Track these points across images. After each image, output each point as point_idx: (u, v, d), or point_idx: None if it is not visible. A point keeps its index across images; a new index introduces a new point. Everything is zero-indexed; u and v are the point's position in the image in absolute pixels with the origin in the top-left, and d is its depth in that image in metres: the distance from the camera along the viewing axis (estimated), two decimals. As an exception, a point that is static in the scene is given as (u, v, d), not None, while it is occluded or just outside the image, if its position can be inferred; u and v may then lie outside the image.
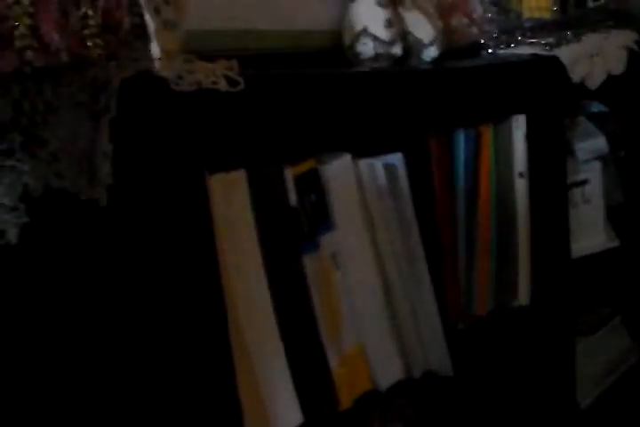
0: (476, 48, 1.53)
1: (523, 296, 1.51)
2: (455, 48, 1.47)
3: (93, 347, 0.95)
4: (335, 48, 1.28)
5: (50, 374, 0.98)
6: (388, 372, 1.21)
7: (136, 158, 0.91)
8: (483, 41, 1.53)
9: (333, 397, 1.13)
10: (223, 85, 0.92)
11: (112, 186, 0.89)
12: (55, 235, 0.96)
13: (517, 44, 1.58)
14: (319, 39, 1.27)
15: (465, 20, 1.50)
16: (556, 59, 1.49)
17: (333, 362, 1.14)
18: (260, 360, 1.04)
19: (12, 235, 0.95)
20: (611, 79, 1.62)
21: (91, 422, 0.97)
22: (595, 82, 1.57)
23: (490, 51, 1.53)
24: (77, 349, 0.96)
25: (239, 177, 1.03)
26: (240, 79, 0.94)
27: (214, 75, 0.92)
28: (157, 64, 0.86)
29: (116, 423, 0.95)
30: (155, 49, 0.86)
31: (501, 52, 1.55)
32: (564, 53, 1.52)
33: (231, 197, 1.02)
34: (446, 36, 1.41)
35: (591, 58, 1.59)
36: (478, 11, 1.53)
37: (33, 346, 0.98)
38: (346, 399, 1.15)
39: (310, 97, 1.10)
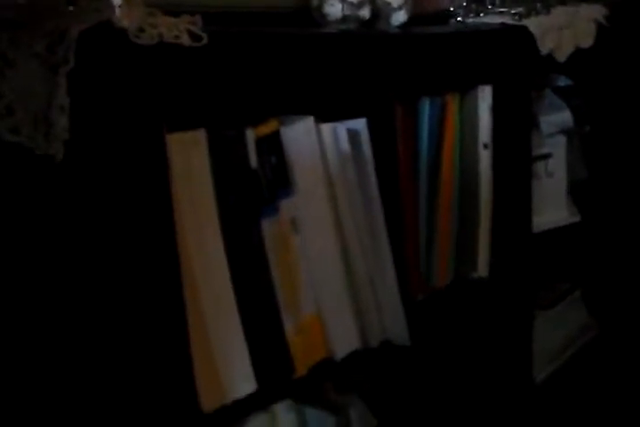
0: (444, 15, 1.51)
1: (482, 268, 1.50)
2: (424, 14, 1.44)
3: (51, 307, 0.92)
4: (302, 8, 1.25)
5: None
6: (345, 341, 1.20)
7: (93, 113, 0.88)
8: (452, 8, 1.51)
9: (288, 364, 1.12)
10: (186, 40, 0.90)
11: (68, 141, 0.86)
12: (7, 191, 0.93)
13: (486, 13, 1.55)
14: (286, -1, 1.24)
15: (435, -13, 1.48)
16: (525, 29, 1.47)
17: (289, 329, 1.12)
18: (215, 326, 1.02)
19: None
20: (578, 53, 1.60)
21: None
22: (563, 54, 1.55)
23: (459, 19, 1.51)
24: (36, 309, 0.93)
25: (199, 137, 1.01)
26: (204, 35, 0.91)
27: (177, 29, 0.89)
28: (118, 13, 0.82)
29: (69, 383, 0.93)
30: (116, -1, 0.83)
31: (470, 20, 1.52)
32: (534, 24, 1.49)
33: (190, 157, 0.99)
34: (415, 2, 1.38)
35: (560, 30, 1.57)
36: (448, -23, 1.50)
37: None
38: (301, 367, 1.13)
39: (275, 57, 1.07)
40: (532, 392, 1.64)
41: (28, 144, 0.89)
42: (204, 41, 0.91)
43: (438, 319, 1.46)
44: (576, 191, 1.81)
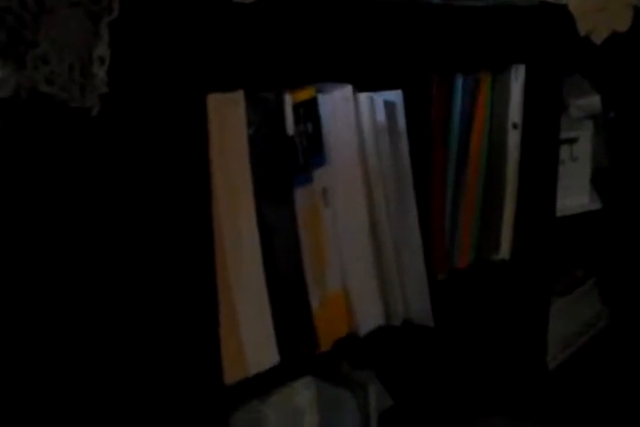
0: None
1: (504, 250, 1.47)
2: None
3: (85, 275, 0.89)
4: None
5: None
6: (369, 317, 1.16)
7: (133, 67, 0.84)
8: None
9: (312, 339, 1.09)
10: (235, -5, 0.86)
11: (104, 95, 0.83)
12: (36, 143, 0.89)
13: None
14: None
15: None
16: (565, 8, 1.43)
17: (315, 303, 1.08)
18: (242, 297, 0.99)
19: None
20: (612, 37, 1.56)
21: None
22: (599, 37, 1.52)
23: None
24: (61, 280, 0.91)
25: (237, 98, 0.96)
26: (253, -10, 0.87)
27: (227, -18, 0.85)
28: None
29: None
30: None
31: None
32: (573, 4, 1.46)
33: (227, 118, 0.96)
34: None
35: (597, 12, 1.53)
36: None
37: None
38: (325, 342, 1.10)
39: (317, 22, 1.04)
40: (543, 378, 1.62)
41: (63, 95, 0.85)
42: (253, -2, 0.87)
43: (457, 300, 1.43)
44: (597, 178, 1.77)
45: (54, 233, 0.91)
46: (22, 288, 0.94)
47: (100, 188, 0.87)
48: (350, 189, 1.13)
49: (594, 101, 1.69)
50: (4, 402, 0.96)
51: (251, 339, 1.01)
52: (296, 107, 1.04)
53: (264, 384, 1.08)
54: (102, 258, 0.89)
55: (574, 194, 1.69)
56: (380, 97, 1.15)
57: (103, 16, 0.83)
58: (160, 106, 0.86)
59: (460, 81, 1.34)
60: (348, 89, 1.11)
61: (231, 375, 0.98)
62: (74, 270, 0.91)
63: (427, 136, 1.26)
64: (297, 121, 1.04)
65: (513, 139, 1.45)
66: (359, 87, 1.13)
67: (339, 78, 1.12)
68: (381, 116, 1.15)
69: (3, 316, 0.94)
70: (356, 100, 1.13)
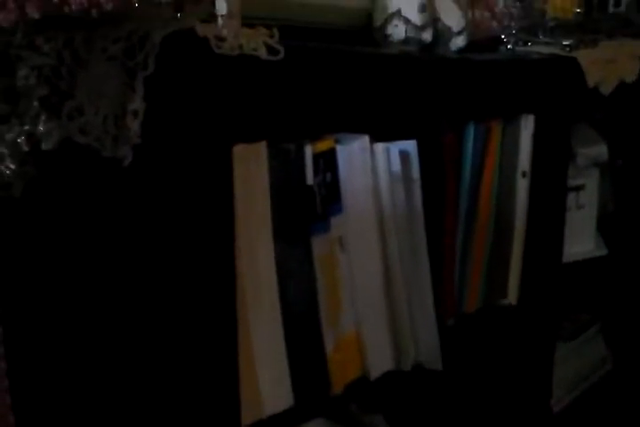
0: (494, 43, 1.51)
1: (512, 296, 1.50)
2: (474, 41, 1.44)
3: (105, 303, 0.92)
4: (363, 27, 1.25)
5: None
6: (380, 361, 1.19)
7: (165, 119, 0.88)
8: (502, 36, 1.51)
9: (326, 381, 1.11)
10: (263, 53, 0.89)
11: (136, 145, 0.86)
12: (69, 191, 0.93)
13: (535, 42, 1.56)
14: (348, 17, 1.24)
15: (487, 14, 1.48)
16: (574, 60, 1.47)
17: (329, 346, 1.11)
18: (259, 339, 1.02)
19: (17, 188, 0.91)
20: (620, 87, 1.60)
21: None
22: (608, 88, 1.56)
23: (508, 47, 1.51)
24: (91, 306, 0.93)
25: (260, 149, 1.00)
26: (281, 48, 0.91)
27: (255, 41, 0.89)
28: (219, 22, 0.82)
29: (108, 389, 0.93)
30: (220, 6, 0.83)
31: (519, 49, 1.53)
32: (582, 56, 1.50)
33: (250, 169, 0.99)
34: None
35: (606, 64, 1.57)
36: (501, 5, 1.50)
37: (38, 296, 0.94)
38: (337, 385, 1.13)
39: (339, 74, 1.07)
40: (548, 422, 1.64)
41: (97, 145, 0.89)
42: (281, 55, 0.90)
43: (465, 345, 1.45)
44: (603, 224, 1.81)
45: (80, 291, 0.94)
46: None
47: (132, 233, 0.90)
48: (365, 236, 1.16)
49: (601, 150, 1.73)
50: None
51: (267, 380, 1.03)
52: (316, 157, 1.07)
53: (278, 425, 1.10)
54: (133, 303, 0.92)
55: (580, 240, 1.72)
56: (396, 147, 1.19)
57: (138, 71, 0.86)
58: (189, 156, 0.89)
59: (471, 129, 1.37)
60: (365, 139, 1.14)
61: (247, 417, 1.01)
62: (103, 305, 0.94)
63: (440, 184, 1.29)
64: (316, 171, 1.07)
65: (522, 187, 1.48)
66: (376, 137, 1.17)
67: (356, 129, 1.15)
68: (396, 165, 1.19)
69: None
70: (372, 151, 1.16)
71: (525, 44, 1.54)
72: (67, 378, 0.94)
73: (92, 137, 0.89)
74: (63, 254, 0.92)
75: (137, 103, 0.86)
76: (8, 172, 0.90)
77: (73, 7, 0.83)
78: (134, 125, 0.86)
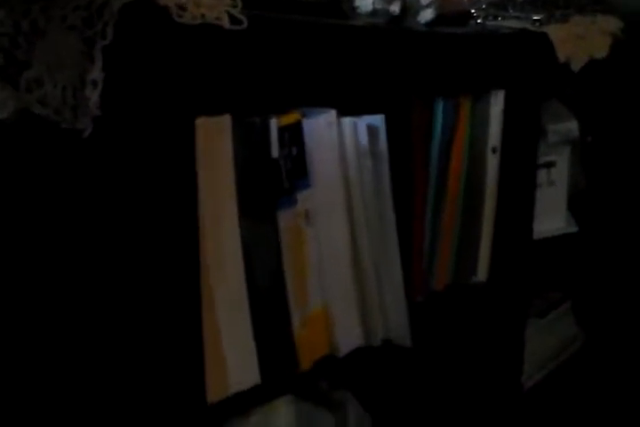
0: (464, 17, 1.49)
1: (481, 273, 1.49)
2: (444, 14, 1.42)
3: (65, 280, 0.91)
4: (331, -1, 1.23)
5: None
6: (349, 337, 1.18)
7: (125, 90, 0.86)
8: (472, 10, 1.49)
9: (293, 358, 1.10)
10: (226, 22, 0.87)
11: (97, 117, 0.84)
12: (27, 163, 0.91)
13: (505, 17, 1.54)
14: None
15: (456, -12, 1.46)
16: (545, 36, 1.46)
17: (296, 322, 1.10)
18: (225, 316, 1.00)
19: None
20: (591, 64, 1.60)
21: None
22: (578, 64, 1.55)
23: (478, 21, 1.50)
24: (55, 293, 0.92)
25: (224, 122, 0.98)
26: (244, 18, 0.89)
27: (218, 10, 0.87)
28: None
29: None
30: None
31: (489, 23, 1.51)
32: (553, 32, 1.49)
33: (214, 142, 0.97)
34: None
35: (577, 39, 1.56)
36: (470, -21, 1.49)
37: None
38: (305, 362, 1.11)
39: (303, 48, 1.05)
40: (519, 399, 1.64)
41: (56, 117, 0.87)
42: (244, 25, 0.89)
43: (435, 322, 1.45)
44: (574, 201, 1.80)
45: (40, 254, 0.92)
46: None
47: (91, 207, 0.88)
48: (332, 210, 1.15)
49: (571, 126, 1.72)
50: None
51: (233, 358, 1.02)
52: (281, 130, 1.05)
53: (244, 403, 1.09)
54: (89, 272, 0.90)
55: (551, 217, 1.72)
56: (363, 121, 1.17)
57: (97, 41, 0.84)
58: (151, 129, 0.88)
59: (440, 105, 1.35)
60: (332, 113, 1.13)
61: (214, 394, 0.99)
62: (63, 286, 0.92)
63: (408, 159, 1.28)
64: (282, 144, 1.06)
65: (492, 162, 1.47)
66: (343, 112, 1.15)
67: (323, 103, 1.14)
68: (364, 140, 1.17)
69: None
70: (339, 125, 1.14)
71: (495, 18, 1.53)
72: (29, 357, 0.92)
73: (51, 108, 0.87)
74: (18, 229, 0.91)
75: (96, 73, 0.84)
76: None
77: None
78: (94, 96, 0.84)
